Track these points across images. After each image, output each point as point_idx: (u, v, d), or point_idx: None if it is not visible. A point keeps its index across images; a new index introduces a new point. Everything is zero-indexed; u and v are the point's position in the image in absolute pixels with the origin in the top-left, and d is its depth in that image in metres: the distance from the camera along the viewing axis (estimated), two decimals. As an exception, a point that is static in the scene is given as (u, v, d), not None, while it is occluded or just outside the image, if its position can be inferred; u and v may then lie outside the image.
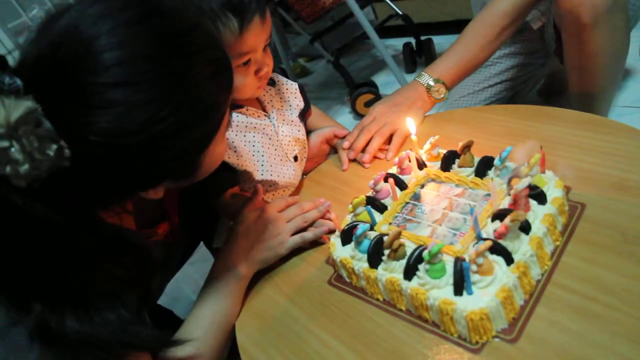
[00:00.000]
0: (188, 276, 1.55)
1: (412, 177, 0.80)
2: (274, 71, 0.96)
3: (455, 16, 2.43)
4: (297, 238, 0.83)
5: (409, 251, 0.66)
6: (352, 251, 0.71)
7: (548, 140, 0.83)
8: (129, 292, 0.63)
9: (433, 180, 0.79)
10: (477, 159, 0.77)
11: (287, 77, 1.06)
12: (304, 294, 0.77)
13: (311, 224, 0.86)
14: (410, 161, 0.80)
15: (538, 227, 0.63)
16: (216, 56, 0.61)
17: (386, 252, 0.66)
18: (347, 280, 0.74)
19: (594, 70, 1.09)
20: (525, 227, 0.62)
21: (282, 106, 1.00)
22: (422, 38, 2.32)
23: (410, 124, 0.85)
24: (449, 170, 0.78)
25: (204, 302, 0.79)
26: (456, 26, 2.42)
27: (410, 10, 2.36)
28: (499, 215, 0.65)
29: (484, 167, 0.74)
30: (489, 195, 0.71)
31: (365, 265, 0.69)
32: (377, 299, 0.70)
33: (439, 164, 0.80)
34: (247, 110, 0.93)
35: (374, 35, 2.00)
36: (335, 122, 1.14)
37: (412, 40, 2.34)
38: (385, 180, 0.78)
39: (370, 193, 0.79)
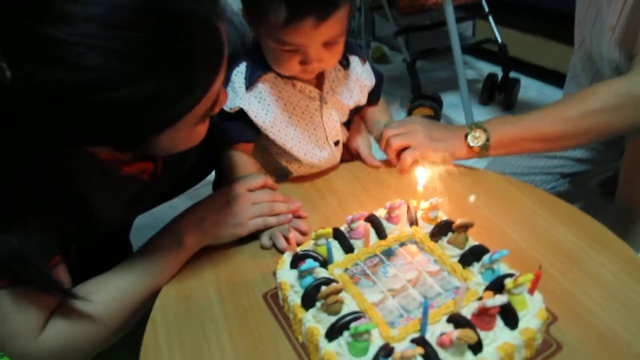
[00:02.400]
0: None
1: (397, 230, 0.72)
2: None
3: (556, 66, 2.23)
4: (259, 221, 0.79)
5: (344, 310, 0.58)
6: (294, 280, 0.65)
7: (564, 254, 0.73)
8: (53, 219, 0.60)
9: (416, 243, 0.70)
10: (471, 243, 0.68)
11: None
12: (234, 297, 0.72)
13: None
14: (401, 212, 0.72)
15: (490, 354, 0.54)
16: (212, 47, 0.54)
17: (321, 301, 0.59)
18: (281, 303, 0.68)
19: None
20: (475, 347, 0.54)
21: (342, 92, 0.91)
22: (511, 76, 2.15)
23: (421, 173, 0.76)
24: (436, 241, 0.69)
25: (132, 265, 0.74)
26: (552, 77, 2.25)
27: (511, 41, 2.18)
28: (455, 321, 0.56)
29: (472, 256, 0.65)
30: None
31: (299, 301, 0.62)
32: (297, 338, 0.63)
33: (431, 228, 0.71)
34: (296, 82, 0.85)
35: (457, 51, 1.86)
36: (390, 117, 1.04)
37: (499, 73, 2.18)
38: (366, 220, 0.70)
39: (343, 227, 0.71)
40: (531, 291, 0.60)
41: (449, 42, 2.04)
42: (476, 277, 0.63)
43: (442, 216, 0.73)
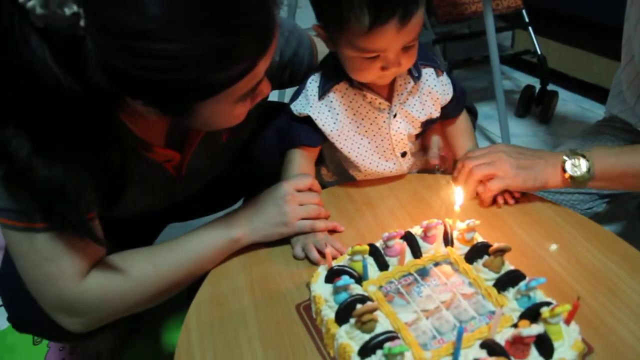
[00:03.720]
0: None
1: (432, 250, 0.72)
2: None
3: (597, 80, 2.18)
4: (307, 223, 0.81)
5: (378, 328, 0.59)
6: (329, 295, 0.66)
7: (602, 282, 0.72)
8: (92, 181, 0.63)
9: (451, 264, 0.70)
10: (507, 267, 0.67)
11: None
12: (268, 306, 0.73)
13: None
14: (437, 231, 0.72)
15: (524, 382, 0.54)
16: (263, 25, 0.58)
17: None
18: (314, 316, 0.69)
19: None
20: (510, 376, 0.54)
21: (412, 104, 0.91)
22: (549, 88, 2.11)
23: (459, 193, 0.76)
24: (471, 263, 0.69)
25: (180, 243, 0.78)
26: (591, 91, 2.20)
27: (550, 53, 2.14)
28: (489, 347, 0.56)
29: (508, 281, 0.65)
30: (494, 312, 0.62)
31: (332, 316, 0.63)
32: (328, 353, 0.64)
33: (466, 250, 0.71)
34: (367, 94, 0.87)
35: (495, 61, 1.83)
36: (472, 142, 1.01)
37: (537, 85, 2.14)
38: (402, 239, 0.71)
39: (379, 243, 0.72)
40: (568, 321, 0.60)
41: (486, 52, 2.02)
42: (511, 303, 0.62)
43: (479, 238, 0.72)
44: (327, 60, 0.90)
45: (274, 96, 1.39)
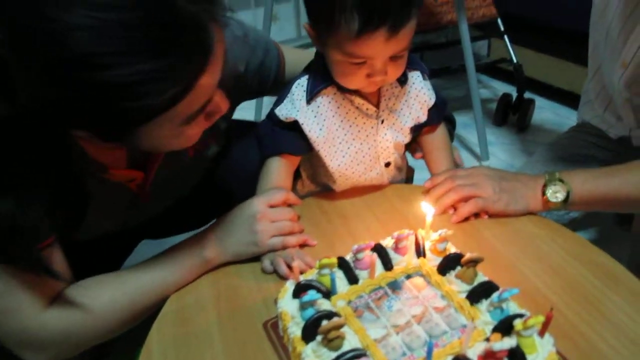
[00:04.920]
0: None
1: (403, 262, 0.69)
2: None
3: (572, 87, 2.20)
4: (277, 240, 0.78)
5: (346, 346, 0.56)
6: (296, 311, 0.63)
7: (579, 293, 0.71)
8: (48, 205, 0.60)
9: (423, 276, 0.68)
10: (480, 278, 0.65)
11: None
12: (234, 323, 0.70)
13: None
14: (409, 242, 0.69)
15: (497, 399, 0.52)
16: (198, 42, 0.56)
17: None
18: (281, 333, 0.66)
19: None
20: (481, 393, 0.51)
21: (399, 109, 0.89)
22: (525, 96, 2.12)
23: (429, 208, 0.73)
24: (444, 275, 0.67)
25: (147, 267, 0.75)
26: (567, 98, 2.21)
27: (526, 61, 2.15)
28: (461, 363, 0.54)
29: (480, 293, 0.62)
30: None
31: (299, 333, 0.60)
32: (296, 373, 0.61)
33: (439, 260, 0.69)
34: (355, 98, 0.85)
35: (471, 70, 1.84)
36: (449, 159, 0.98)
37: (513, 93, 2.15)
38: (372, 250, 0.68)
39: (349, 256, 0.69)
40: (541, 333, 0.58)
41: (463, 61, 2.03)
42: (484, 316, 0.60)
43: (452, 248, 0.70)
44: (313, 65, 0.88)
45: (249, 107, 1.35)
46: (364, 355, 0.54)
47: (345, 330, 0.58)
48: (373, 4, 0.69)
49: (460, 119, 2.16)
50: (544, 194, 0.85)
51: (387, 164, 0.93)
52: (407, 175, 1.06)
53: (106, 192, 0.76)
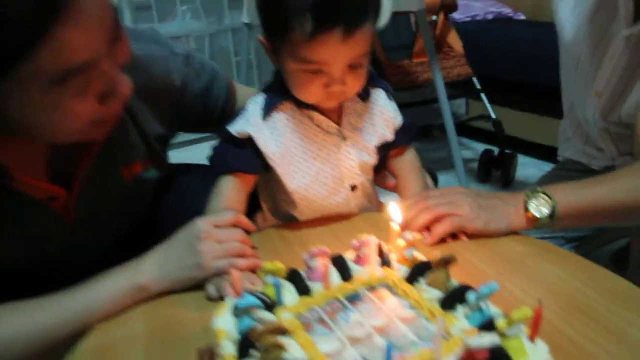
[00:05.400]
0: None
1: (365, 274, 0.59)
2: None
3: (554, 142, 2.18)
4: (224, 262, 0.67)
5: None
6: (233, 327, 0.51)
7: (572, 305, 0.60)
8: None
9: (388, 287, 0.57)
10: (454, 284, 0.55)
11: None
12: (164, 353, 0.58)
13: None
14: (370, 250, 0.59)
15: (479, 418, 0.40)
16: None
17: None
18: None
19: None
20: (458, 409, 0.40)
21: (362, 126, 0.83)
22: (507, 151, 2.10)
23: (394, 208, 0.65)
24: (412, 284, 0.56)
25: (67, 295, 0.65)
26: (549, 153, 2.19)
27: (505, 119, 2.15)
28: (430, 373, 0.42)
29: (455, 297, 0.52)
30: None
31: (233, 350, 0.48)
32: (231, 405, 0.49)
33: (406, 271, 0.58)
34: (315, 115, 0.79)
35: (451, 129, 1.82)
36: (421, 183, 0.90)
37: (495, 149, 2.12)
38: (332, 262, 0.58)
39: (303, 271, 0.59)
40: (532, 336, 0.47)
41: (441, 120, 2.03)
42: (461, 322, 0.49)
43: (420, 257, 0.60)
44: (271, 85, 0.82)
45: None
46: (308, 368, 0.43)
47: (287, 342, 0.47)
48: (326, 4, 0.66)
49: (443, 178, 2.11)
50: (526, 210, 0.77)
51: (353, 188, 0.85)
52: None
53: (22, 213, 0.67)
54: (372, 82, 0.83)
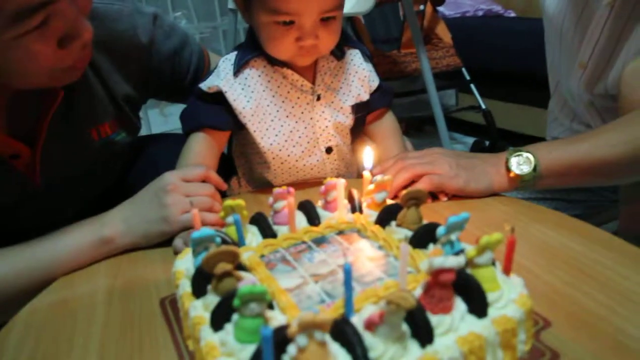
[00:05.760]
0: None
1: (334, 219, 0.56)
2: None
3: (543, 133, 2.16)
4: (190, 215, 0.63)
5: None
6: (191, 265, 0.48)
7: (560, 260, 0.58)
8: None
9: (358, 231, 0.54)
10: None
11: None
12: (124, 301, 0.56)
13: None
14: (338, 194, 0.56)
15: (447, 347, 0.37)
16: None
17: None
18: (179, 305, 0.51)
19: None
20: (422, 336, 0.36)
21: (337, 86, 0.81)
22: (497, 143, 2.08)
23: (368, 154, 0.62)
24: (384, 227, 0.53)
25: (30, 246, 0.63)
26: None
27: (496, 111, 2.13)
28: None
29: (425, 234, 0.49)
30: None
31: (189, 288, 0.45)
32: (186, 346, 0.46)
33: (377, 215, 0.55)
34: (288, 72, 0.77)
35: (440, 120, 1.80)
36: (400, 147, 0.88)
37: (486, 142, 2.10)
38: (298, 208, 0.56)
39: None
40: (506, 269, 0.44)
41: (430, 112, 2.00)
42: (436, 259, 0.46)
43: (391, 201, 0.58)
44: (243, 43, 0.81)
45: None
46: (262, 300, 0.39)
47: (248, 277, 0.44)
48: None
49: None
50: (508, 169, 0.74)
51: (329, 150, 0.82)
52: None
53: None
54: (348, 42, 0.82)
